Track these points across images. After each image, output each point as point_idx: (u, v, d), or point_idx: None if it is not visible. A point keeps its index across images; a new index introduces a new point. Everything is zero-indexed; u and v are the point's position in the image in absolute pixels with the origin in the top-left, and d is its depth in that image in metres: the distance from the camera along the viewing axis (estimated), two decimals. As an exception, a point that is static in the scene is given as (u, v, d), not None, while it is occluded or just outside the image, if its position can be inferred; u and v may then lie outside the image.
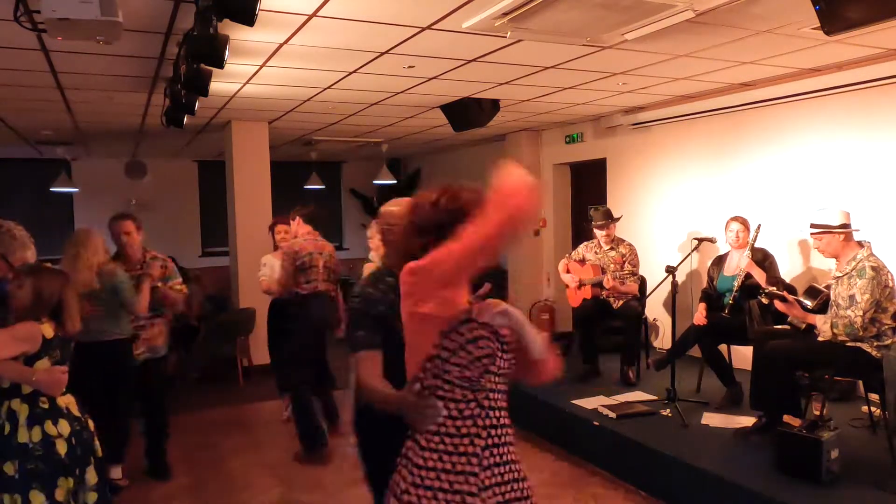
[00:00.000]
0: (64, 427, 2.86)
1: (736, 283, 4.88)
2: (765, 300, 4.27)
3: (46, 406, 2.85)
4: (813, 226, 4.04)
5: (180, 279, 4.62)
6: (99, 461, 3.02)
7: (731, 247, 5.14)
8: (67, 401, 2.94)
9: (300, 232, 5.07)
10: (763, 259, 4.91)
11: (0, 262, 3.30)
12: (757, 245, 4.98)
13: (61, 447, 2.83)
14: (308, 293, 4.90)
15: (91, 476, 2.94)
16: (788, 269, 5.55)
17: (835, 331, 3.84)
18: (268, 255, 5.67)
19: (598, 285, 5.75)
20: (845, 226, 3.94)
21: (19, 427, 2.79)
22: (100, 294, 3.98)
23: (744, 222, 5.09)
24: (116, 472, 4.30)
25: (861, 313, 3.75)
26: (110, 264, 4.12)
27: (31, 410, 2.82)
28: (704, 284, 5.36)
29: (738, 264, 4.97)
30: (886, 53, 4.64)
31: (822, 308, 4.08)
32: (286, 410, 5.60)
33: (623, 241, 5.94)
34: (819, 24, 3.22)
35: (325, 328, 5.11)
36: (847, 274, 3.89)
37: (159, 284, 4.39)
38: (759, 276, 4.78)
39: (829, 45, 4.32)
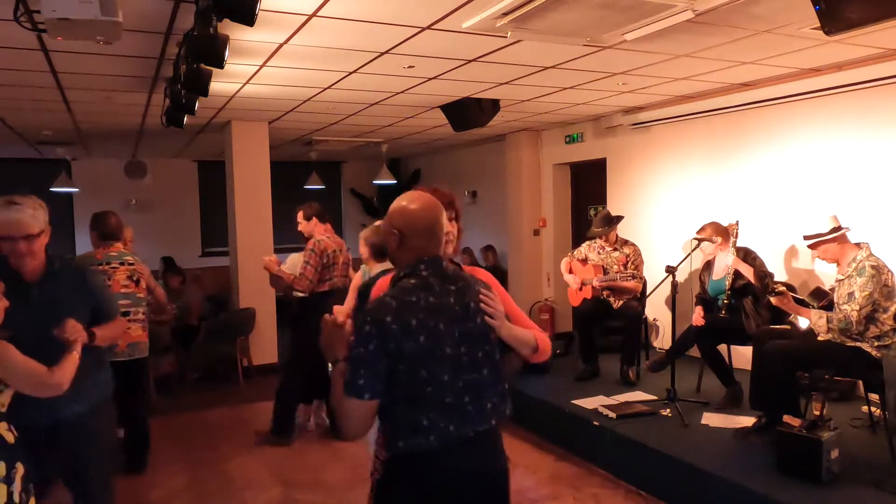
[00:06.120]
0: None
1: (726, 284, 4.88)
2: (773, 299, 4.24)
3: None
4: (806, 238, 4.09)
5: None
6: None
7: (716, 252, 5.14)
8: None
9: (317, 230, 5.14)
10: (745, 256, 4.91)
11: None
12: (749, 245, 4.98)
13: None
14: (325, 291, 5.01)
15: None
16: (790, 268, 5.56)
17: (830, 325, 3.84)
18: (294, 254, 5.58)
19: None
20: (836, 229, 3.96)
21: None
22: None
23: (716, 228, 5.08)
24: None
25: (858, 308, 3.75)
26: None
27: None
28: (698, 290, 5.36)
29: (725, 264, 4.97)
30: (886, 53, 4.64)
31: (827, 309, 4.07)
32: (310, 420, 5.56)
33: (628, 241, 5.93)
34: (819, 24, 3.21)
35: None
36: (848, 276, 3.90)
37: None
38: (747, 272, 4.78)
39: (829, 45, 4.32)
